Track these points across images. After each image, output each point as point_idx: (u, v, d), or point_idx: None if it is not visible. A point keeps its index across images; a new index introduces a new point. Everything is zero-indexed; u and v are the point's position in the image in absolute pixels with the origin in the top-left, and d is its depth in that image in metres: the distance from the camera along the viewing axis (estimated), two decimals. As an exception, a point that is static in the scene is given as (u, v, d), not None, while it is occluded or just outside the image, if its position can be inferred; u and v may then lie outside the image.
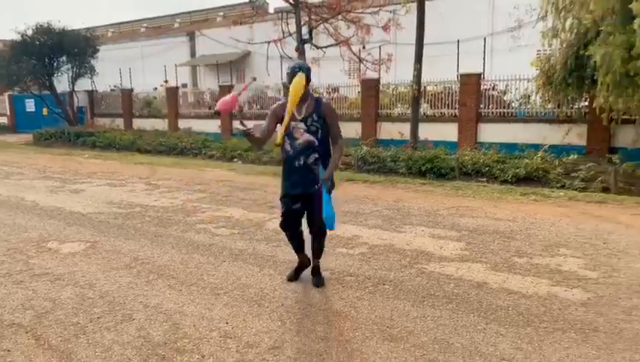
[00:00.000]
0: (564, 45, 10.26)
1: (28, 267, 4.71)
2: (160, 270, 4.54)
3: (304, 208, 3.97)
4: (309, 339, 3.21)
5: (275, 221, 6.20)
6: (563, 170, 10.13)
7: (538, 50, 16.61)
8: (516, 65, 13.55)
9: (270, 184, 9.11)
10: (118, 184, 9.40)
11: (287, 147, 3.90)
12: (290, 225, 4.05)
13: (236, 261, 4.76)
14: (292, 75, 3.76)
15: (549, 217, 6.19)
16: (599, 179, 9.49)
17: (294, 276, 4.23)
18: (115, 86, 25.50)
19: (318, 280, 4.10)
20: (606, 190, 9.13)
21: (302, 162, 3.86)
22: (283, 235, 4.23)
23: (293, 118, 3.81)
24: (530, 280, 4.07)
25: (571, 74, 10.09)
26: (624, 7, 7.68)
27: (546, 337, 3.16)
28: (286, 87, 3.85)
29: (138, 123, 21.71)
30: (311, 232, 4.04)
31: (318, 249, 4.11)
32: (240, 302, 3.79)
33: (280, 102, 3.98)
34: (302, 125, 3.83)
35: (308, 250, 4.18)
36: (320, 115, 3.85)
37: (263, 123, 3.96)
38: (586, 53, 8.68)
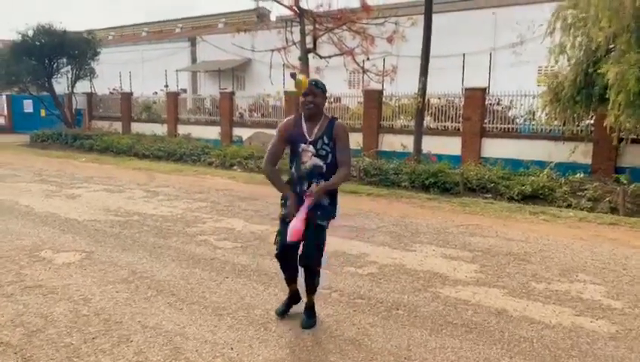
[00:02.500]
0: (573, 62, 10.13)
1: (19, 278, 4.46)
2: (159, 285, 4.30)
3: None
4: (320, 370, 2.98)
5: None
6: (569, 188, 9.96)
7: (539, 67, 16.60)
8: (516, 81, 13.45)
9: (271, 194, 8.83)
10: (116, 190, 9.16)
11: (292, 170, 3.58)
12: (286, 257, 3.62)
13: (239, 277, 4.53)
14: (308, 88, 3.44)
15: (562, 239, 5.99)
16: (607, 199, 9.32)
17: (284, 310, 3.75)
18: (114, 89, 25.28)
19: (308, 322, 3.56)
20: (614, 211, 8.95)
21: (305, 188, 3.48)
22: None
23: (303, 140, 3.46)
24: (552, 309, 3.85)
25: (580, 91, 9.94)
26: (639, 25, 7.56)
27: (576, 374, 2.94)
28: (304, 102, 3.46)
29: (136, 127, 21.48)
30: (300, 265, 3.54)
31: (310, 285, 3.58)
32: (245, 325, 3.55)
33: (286, 120, 3.61)
34: (311, 148, 3.45)
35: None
36: (331, 137, 3.45)
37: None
38: (599, 71, 8.52)
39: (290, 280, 3.75)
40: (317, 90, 3.45)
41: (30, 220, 6.68)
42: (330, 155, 3.46)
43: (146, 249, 5.39)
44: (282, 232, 3.57)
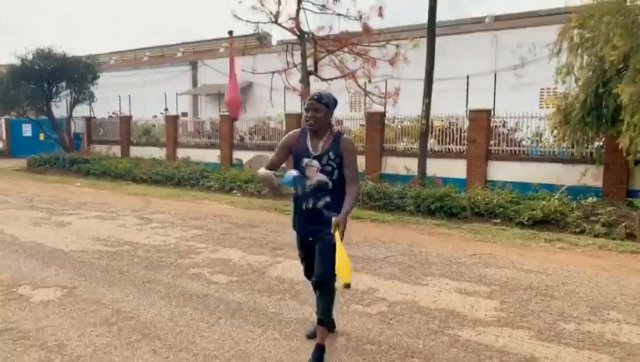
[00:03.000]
0: (582, 83, 9.81)
1: (-10, 319, 4.04)
2: (145, 328, 3.86)
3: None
4: None
5: (278, 266, 5.57)
6: (581, 213, 9.52)
7: (542, 89, 16.33)
8: (517, 104, 13.15)
9: (272, 221, 8.48)
10: (109, 217, 8.75)
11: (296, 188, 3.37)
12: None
13: (234, 318, 4.08)
14: (310, 103, 3.28)
15: (584, 270, 5.55)
16: (623, 224, 8.88)
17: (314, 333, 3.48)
18: (113, 113, 25.09)
19: None
20: (630, 236, 8.51)
21: (310, 205, 3.30)
22: (298, 283, 3.63)
23: (306, 155, 3.29)
24: (588, 356, 3.40)
25: (590, 113, 9.61)
26: (655, 43, 7.25)
27: None
28: (306, 117, 3.31)
29: (135, 151, 21.17)
30: (313, 286, 3.36)
31: (322, 309, 3.29)
32: (239, 377, 3.12)
33: (291, 133, 3.46)
34: (316, 163, 3.27)
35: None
36: (337, 153, 3.27)
37: (265, 154, 3.37)
38: (614, 91, 8.19)
39: None
40: (319, 105, 3.26)
41: (13, 251, 6.25)
42: (336, 171, 3.29)
43: (133, 284, 4.95)
44: (304, 257, 3.52)
